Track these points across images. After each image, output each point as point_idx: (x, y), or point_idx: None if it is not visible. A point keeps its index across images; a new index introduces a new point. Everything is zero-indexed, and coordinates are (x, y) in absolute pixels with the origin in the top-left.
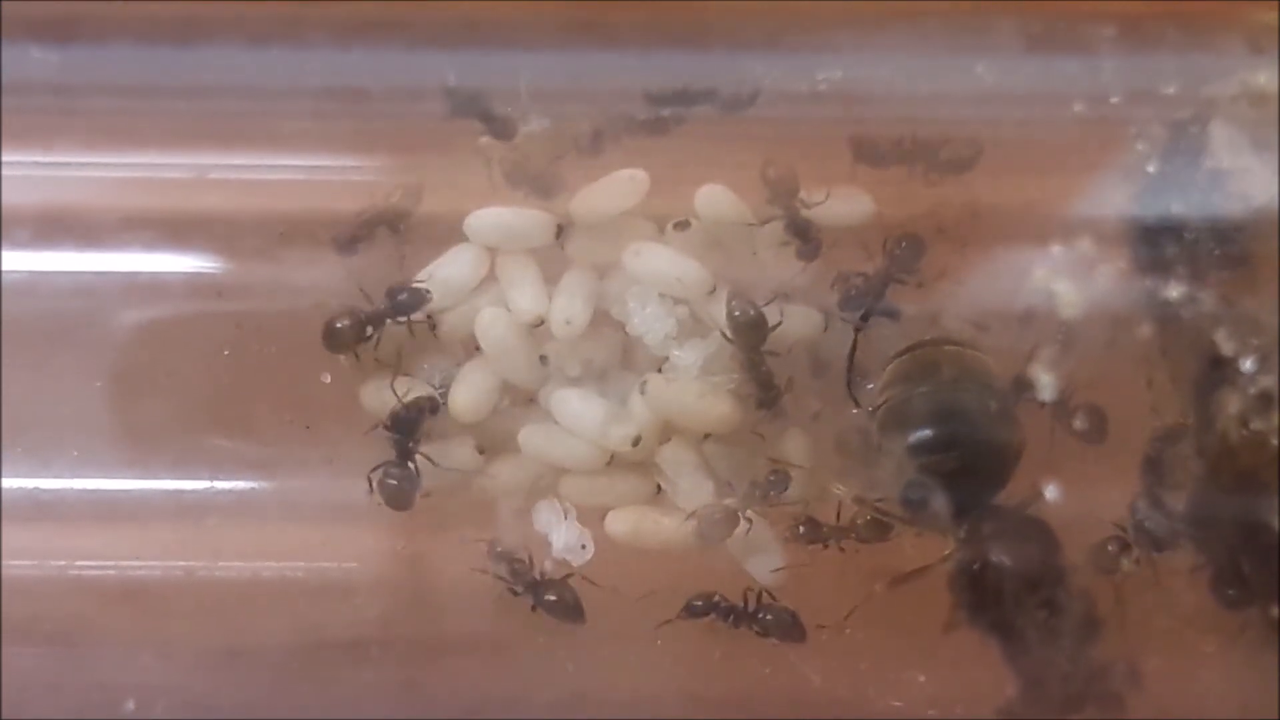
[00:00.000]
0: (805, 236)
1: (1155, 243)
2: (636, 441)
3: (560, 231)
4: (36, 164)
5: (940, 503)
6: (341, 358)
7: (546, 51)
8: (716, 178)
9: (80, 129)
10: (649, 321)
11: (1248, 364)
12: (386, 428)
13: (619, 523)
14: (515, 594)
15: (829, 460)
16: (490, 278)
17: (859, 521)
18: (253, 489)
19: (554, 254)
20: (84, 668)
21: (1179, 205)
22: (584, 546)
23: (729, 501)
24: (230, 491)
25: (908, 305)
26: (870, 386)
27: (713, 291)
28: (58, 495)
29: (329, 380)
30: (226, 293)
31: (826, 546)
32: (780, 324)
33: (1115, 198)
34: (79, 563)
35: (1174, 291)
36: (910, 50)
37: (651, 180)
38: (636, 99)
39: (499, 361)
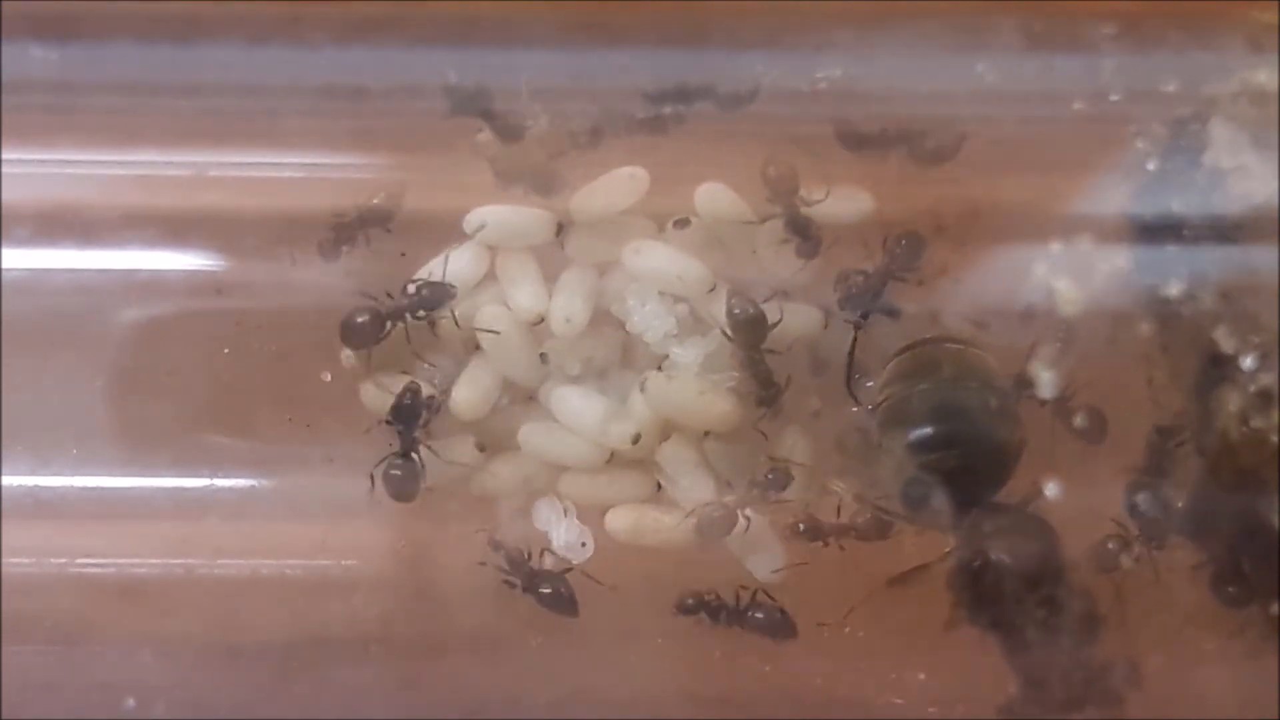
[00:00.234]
0: (805, 234)
1: (1155, 241)
2: (636, 439)
3: (560, 229)
4: (36, 162)
5: (940, 501)
6: (343, 355)
7: (546, 50)
8: (716, 176)
9: (80, 127)
10: (649, 319)
11: (1248, 361)
12: (388, 422)
13: (619, 520)
14: (511, 585)
15: (829, 458)
16: (490, 276)
17: (859, 520)
18: (253, 487)
19: (554, 252)
20: (84, 666)
21: (1179, 203)
22: (584, 544)
23: (728, 499)
24: (230, 490)
25: (908, 303)
26: (870, 384)
27: (713, 289)
28: (57, 493)
29: (329, 379)
30: (226, 291)
31: (826, 545)
32: (780, 322)
33: (1115, 196)
34: (79, 561)
35: (1174, 289)
36: (910, 49)
37: (651, 178)
38: (637, 97)
39: (499, 359)
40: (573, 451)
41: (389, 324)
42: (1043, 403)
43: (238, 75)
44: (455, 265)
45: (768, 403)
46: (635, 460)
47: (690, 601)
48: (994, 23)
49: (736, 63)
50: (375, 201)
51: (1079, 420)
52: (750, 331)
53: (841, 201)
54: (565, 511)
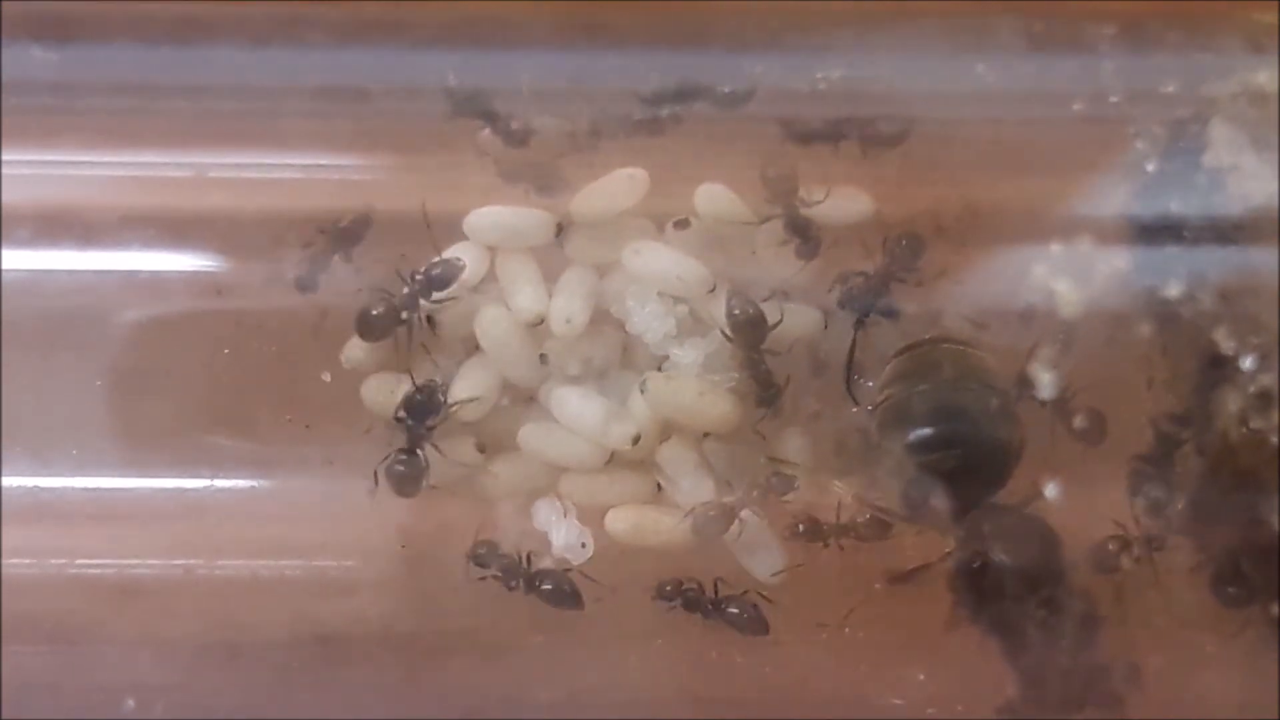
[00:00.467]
0: (805, 235)
1: (1155, 242)
2: (636, 440)
3: (560, 230)
4: (36, 163)
5: (940, 501)
6: (343, 355)
7: (546, 51)
8: (716, 176)
9: (81, 128)
10: (649, 320)
11: (1247, 362)
12: (398, 418)
13: (619, 521)
14: (511, 589)
15: (828, 459)
16: (490, 277)
17: (859, 520)
18: (252, 488)
19: (554, 253)
20: (84, 667)
21: (1178, 204)
22: (584, 545)
23: (726, 499)
24: (230, 490)
25: (907, 304)
26: (870, 385)
27: (712, 290)
28: (57, 494)
29: (329, 379)
30: (226, 291)
31: (826, 545)
32: (780, 323)
33: (1115, 197)
34: (79, 562)
35: (1173, 290)
36: (910, 49)
37: (651, 179)
38: (636, 99)
39: (499, 360)
40: (573, 452)
41: (404, 314)
42: (1042, 403)
43: (238, 76)
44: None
45: (767, 403)
46: (635, 461)
47: (668, 587)
48: (994, 24)
49: (736, 64)
50: (342, 225)
51: (1079, 421)
52: (750, 332)
53: (841, 202)
54: (565, 512)
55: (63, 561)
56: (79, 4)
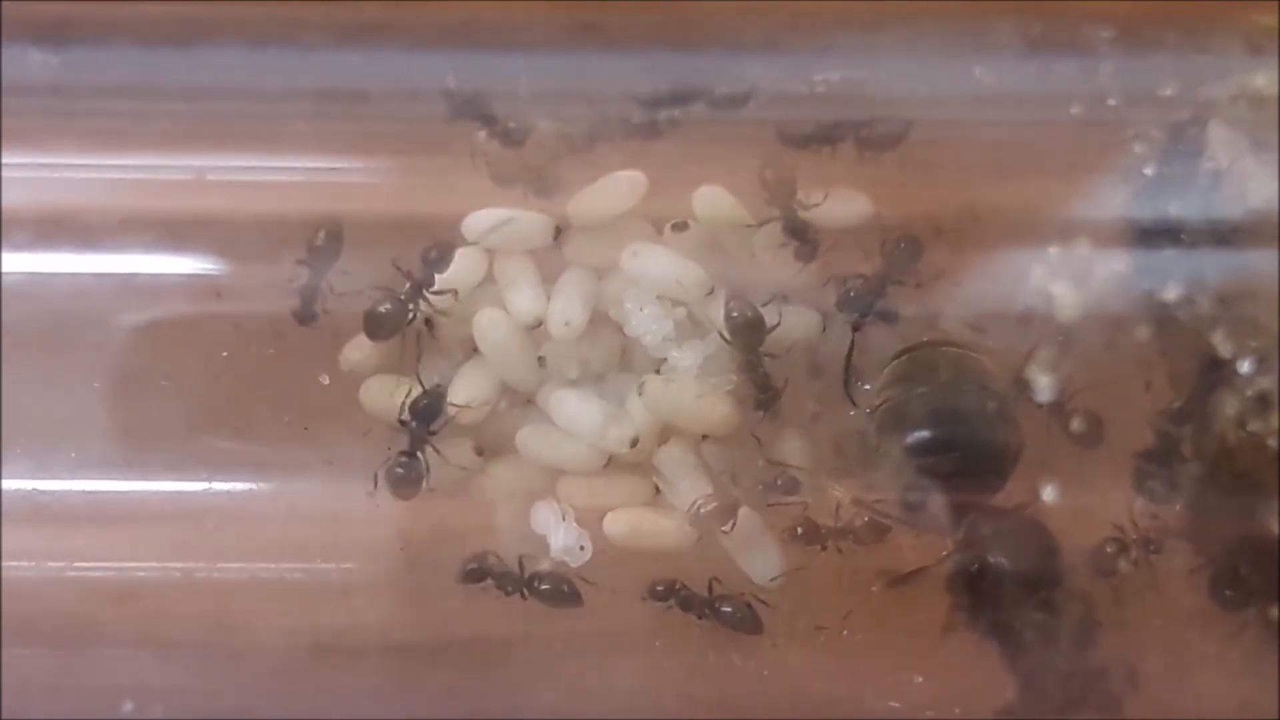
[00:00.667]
0: (803, 238)
1: (1153, 244)
2: (634, 443)
3: (558, 233)
4: (36, 166)
5: (938, 504)
6: (342, 358)
7: (546, 53)
8: (714, 179)
9: (80, 131)
10: (647, 323)
11: (1245, 366)
12: (402, 422)
13: (617, 524)
14: (508, 593)
15: (827, 461)
16: (488, 279)
17: (857, 523)
18: (251, 490)
19: (552, 255)
20: (83, 668)
21: (1177, 207)
22: (582, 548)
23: (731, 493)
24: (229, 493)
25: (906, 306)
26: (868, 388)
27: (711, 293)
28: (57, 496)
29: (327, 381)
30: (225, 294)
31: (825, 548)
32: (778, 325)
33: (1113, 199)
34: (78, 564)
35: (1172, 293)
36: (908, 52)
37: (649, 181)
38: (634, 101)
39: (497, 363)
40: (571, 455)
41: (412, 308)
42: (1041, 406)
43: (237, 79)
44: (453, 268)
45: (766, 406)
46: (633, 464)
47: (660, 588)
48: (992, 26)
49: (735, 66)
50: (318, 244)
51: (1077, 424)
52: (748, 335)
53: (840, 205)
54: (563, 515)
55: (62, 564)
56: (78, 6)
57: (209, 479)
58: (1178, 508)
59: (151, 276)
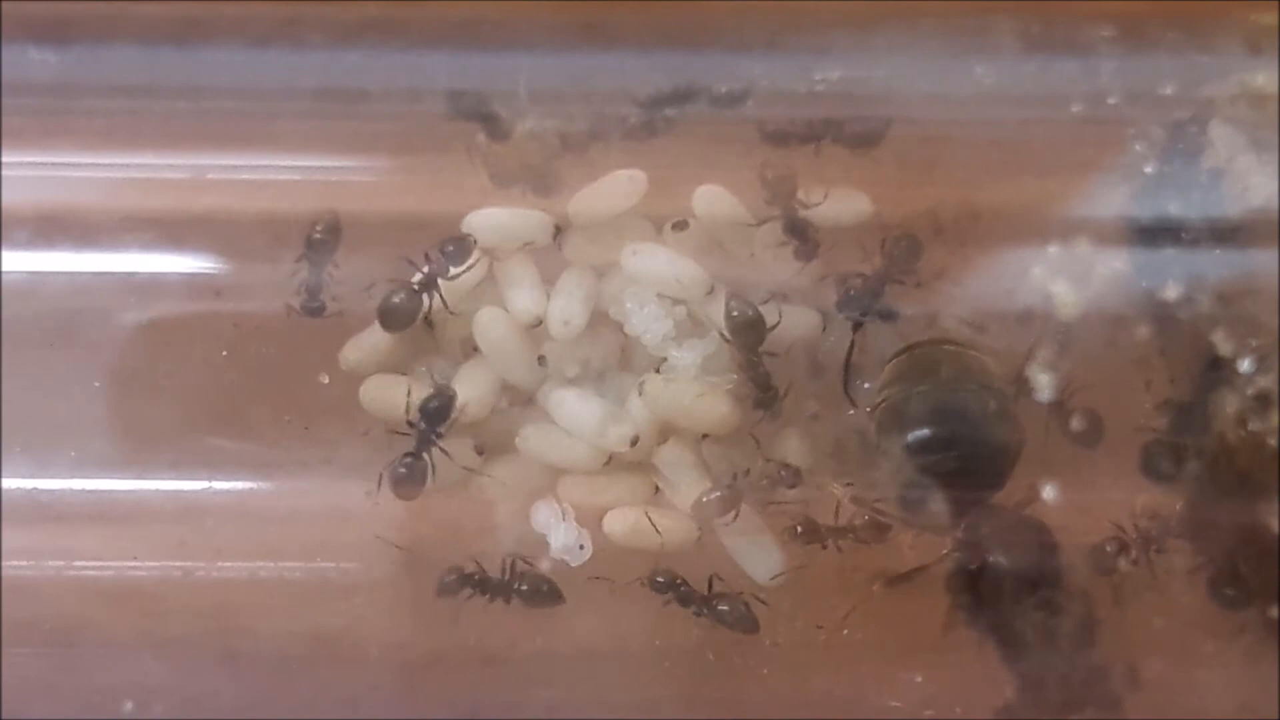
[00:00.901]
0: (803, 237)
1: (1153, 243)
2: (634, 442)
3: (558, 232)
4: (35, 165)
5: (938, 503)
6: (341, 357)
7: (546, 52)
8: (714, 178)
9: (79, 130)
10: (647, 322)
11: (1246, 365)
12: (411, 423)
13: (617, 523)
14: (491, 601)
15: (827, 460)
16: (488, 278)
17: (857, 522)
18: (251, 489)
19: (552, 254)
20: (83, 668)
21: (1177, 206)
22: (582, 547)
23: (732, 485)
24: (229, 492)
25: (906, 305)
26: (868, 387)
27: (711, 292)
28: (56, 495)
29: (327, 381)
30: (225, 293)
31: (825, 547)
32: (778, 324)
33: (1113, 198)
34: (78, 563)
35: (1172, 292)
36: (908, 51)
37: (649, 181)
38: (633, 101)
39: (497, 362)
40: (571, 454)
41: (426, 299)
42: (1041, 405)
43: (236, 78)
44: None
45: (766, 405)
46: (633, 463)
47: (661, 579)
48: (992, 25)
49: (735, 65)
50: (316, 237)
51: (1077, 423)
52: (748, 334)
53: (840, 204)
54: (564, 514)
55: (62, 563)
56: (78, 5)
57: (209, 478)
58: (1178, 508)
59: (151, 275)
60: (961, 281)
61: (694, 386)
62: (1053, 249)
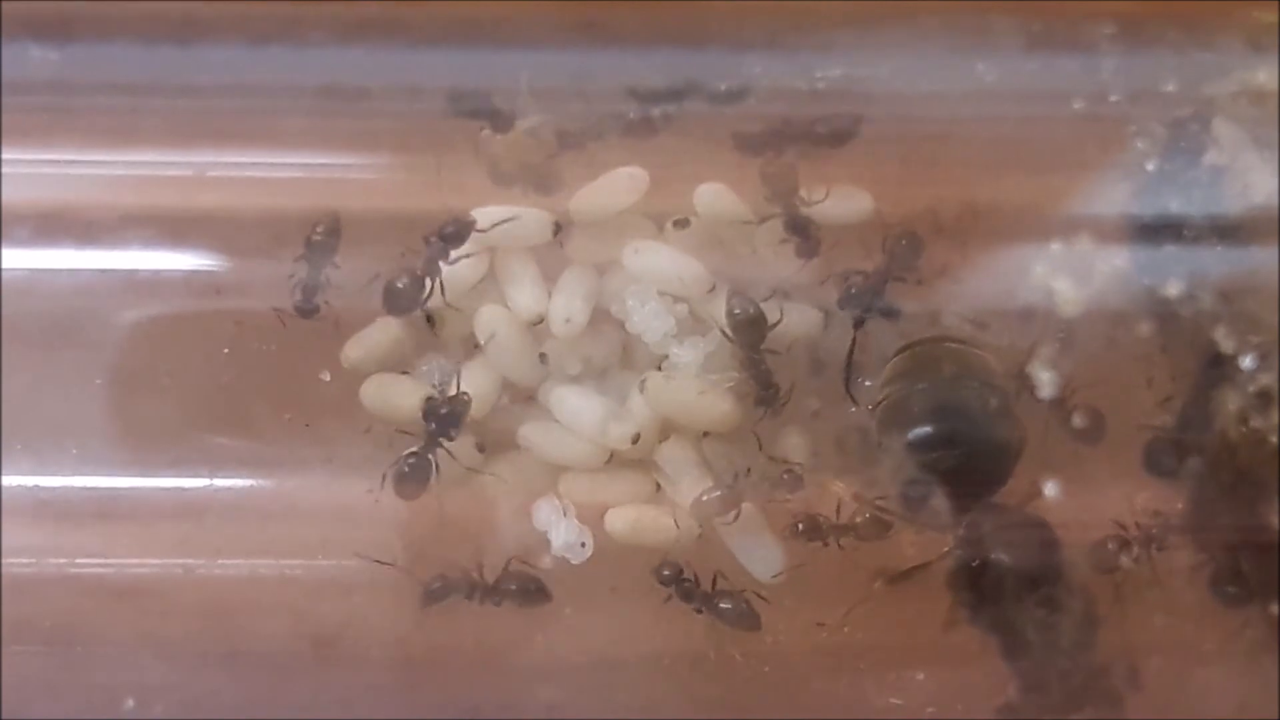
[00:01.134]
0: (804, 234)
1: (1154, 241)
2: (636, 439)
3: (559, 230)
4: (36, 161)
5: (939, 500)
6: (343, 355)
7: (546, 51)
8: (716, 176)
9: (80, 127)
10: (648, 319)
11: (1247, 361)
12: (428, 422)
13: (618, 521)
14: (480, 604)
15: (828, 458)
16: (490, 276)
17: (858, 519)
18: (252, 487)
19: (553, 252)
20: (84, 667)
21: (1179, 203)
22: (583, 544)
23: (733, 484)
24: (230, 490)
25: (907, 303)
26: (869, 384)
27: (712, 289)
28: (57, 493)
29: (328, 378)
30: (226, 291)
31: (826, 544)
32: (780, 322)
33: (1115, 196)
34: (78, 561)
35: (1173, 289)
36: (910, 49)
37: (651, 178)
38: (631, 97)
39: (499, 360)
40: (572, 451)
41: (429, 282)
42: (1042, 402)
43: (237, 76)
44: (454, 267)
45: (767, 403)
46: (635, 460)
47: (667, 572)
48: (993, 23)
49: (735, 63)
50: (316, 238)
51: (1078, 420)
52: (750, 331)
53: (841, 201)
54: (565, 511)
55: (62, 561)
56: (79, 3)
57: (210, 476)
58: (1180, 506)
59: (152, 273)
60: (963, 279)
61: (695, 384)
62: (1054, 246)
